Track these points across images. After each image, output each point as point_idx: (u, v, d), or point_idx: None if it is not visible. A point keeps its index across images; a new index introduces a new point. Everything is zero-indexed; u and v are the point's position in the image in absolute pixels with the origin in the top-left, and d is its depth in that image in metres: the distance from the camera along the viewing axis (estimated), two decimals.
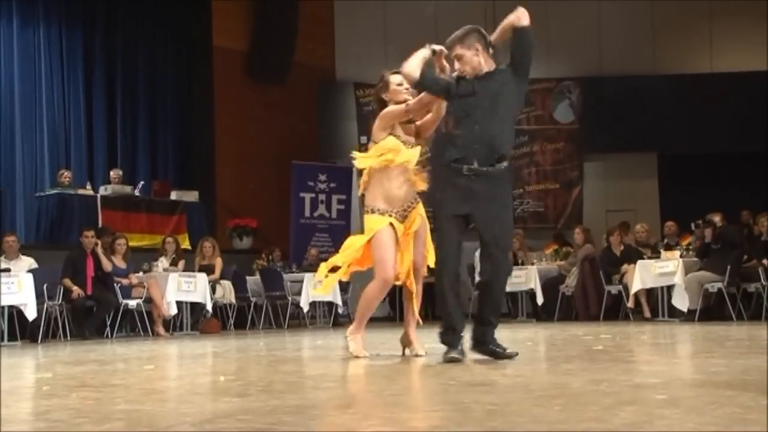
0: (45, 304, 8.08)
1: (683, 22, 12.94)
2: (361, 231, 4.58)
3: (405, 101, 4.41)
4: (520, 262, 10.40)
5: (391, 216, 4.36)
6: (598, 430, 2.05)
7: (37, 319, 7.91)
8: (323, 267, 4.62)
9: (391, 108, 4.42)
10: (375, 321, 5.63)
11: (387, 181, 4.38)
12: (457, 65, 4.14)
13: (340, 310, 10.55)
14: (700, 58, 12.96)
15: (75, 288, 8.33)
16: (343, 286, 10.45)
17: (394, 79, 4.48)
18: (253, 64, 12.64)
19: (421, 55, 4.26)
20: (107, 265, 8.73)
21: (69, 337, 8.30)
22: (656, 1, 13.01)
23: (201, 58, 12.48)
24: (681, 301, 8.45)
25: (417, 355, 4.43)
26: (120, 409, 2.76)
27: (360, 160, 4.49)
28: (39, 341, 7.88)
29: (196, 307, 9.33)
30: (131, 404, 2.88)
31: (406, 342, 4.58)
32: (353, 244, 4.49)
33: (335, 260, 4.53)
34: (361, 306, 4.55)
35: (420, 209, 4.47)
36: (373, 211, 4.38)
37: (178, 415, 2.59)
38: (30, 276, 7.92)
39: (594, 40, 13.05)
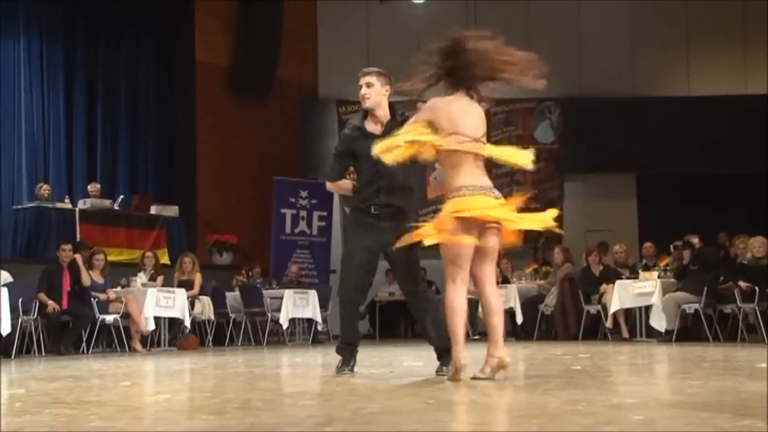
0: (20, 319, 7.98)
1: (661, 46, 13.12)
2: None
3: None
4: (500, 281, 10.40)
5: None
6: None
7: (12, 334, 7.80)
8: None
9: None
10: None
11: None
12: (364, 90, 4.46)
13: (319, 327, 10.49)
14: (678, 82, 13.13)
15: (50, 302, 8.23)
16: (323, 303, 10.43)
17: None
18: (236, 79, 12.62)
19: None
20: (86, 279, 8.64)
21: (44, 353, 8.19)
22: (635, 26, 13.19)
23: (183, 73, 12.44)
24: (658, 322, 8.50)
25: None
26: (94, 426, 2.73)
27: None
28: (13, 357, 7.77)
29: (175, 323, 9.25)
30: (105, 422, 2.84)
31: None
32: None
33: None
34: None
35: None
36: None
37: None
38: (5, 290, 7.80)
39: (574, 61, 13.18)
